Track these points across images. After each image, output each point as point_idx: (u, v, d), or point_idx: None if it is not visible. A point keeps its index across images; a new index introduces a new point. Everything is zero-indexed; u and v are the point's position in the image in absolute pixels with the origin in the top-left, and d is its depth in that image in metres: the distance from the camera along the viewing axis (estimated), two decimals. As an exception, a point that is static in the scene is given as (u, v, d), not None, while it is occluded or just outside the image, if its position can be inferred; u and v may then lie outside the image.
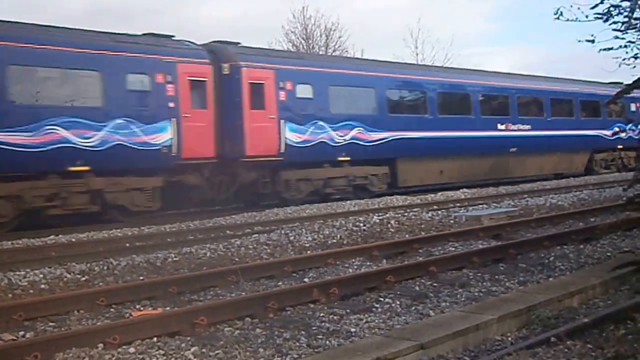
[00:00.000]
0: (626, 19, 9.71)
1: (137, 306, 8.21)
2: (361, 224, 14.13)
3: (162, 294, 8.55)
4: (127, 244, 13.64)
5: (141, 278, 9.95)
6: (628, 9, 9.53)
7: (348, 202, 20.71)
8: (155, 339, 6.58)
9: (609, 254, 10.24)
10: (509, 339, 6.38)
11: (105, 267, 10.57)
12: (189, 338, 6.63)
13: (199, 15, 61.56)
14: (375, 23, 64.05)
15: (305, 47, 39.45)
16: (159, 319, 6.97)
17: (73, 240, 14.36)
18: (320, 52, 38.86)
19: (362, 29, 63.59)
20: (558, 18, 9.91)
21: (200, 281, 9.09)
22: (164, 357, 6.11)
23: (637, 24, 9.83)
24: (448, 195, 22.46)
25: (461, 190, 24.25)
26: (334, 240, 12.70)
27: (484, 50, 72.96)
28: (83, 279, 9.88)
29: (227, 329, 6.97)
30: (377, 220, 14.56)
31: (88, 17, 57.05)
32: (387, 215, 15.66)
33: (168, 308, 8.00)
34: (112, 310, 8.04)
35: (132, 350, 6.28)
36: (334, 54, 39.06)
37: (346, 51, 39.67)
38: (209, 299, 8.51)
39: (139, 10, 60.33)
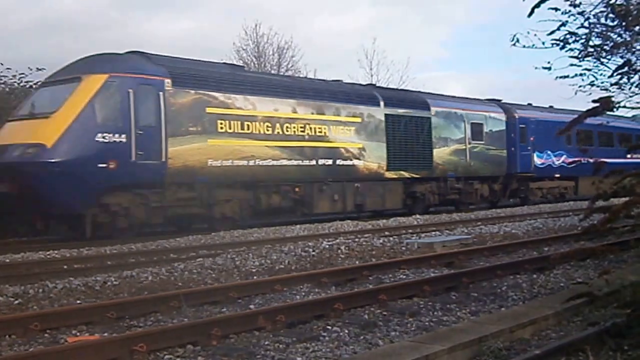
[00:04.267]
0: (582, 47, 9.75)
1: (74, 332, 7.87)
2: (310, 250, 13.94)
3: (100, 319, 8.20)
4: (65, 266, 13.21)
5: (78, 302, 9.59)
6: (584, 37, 9.56)
7: (297, 226, 20.50)
8: (91, 366, 6.24)
9: (562, 284, 10.17)
10: (460, 370, 6.21)
11: (41, 290, 10.18)
12: (126, 366, 6.32)
13: (143, 30, 61.08)
14: (329, 43, 64.44)
15: (256, 65, 39.30)
16: (95, 346, 6.69)
17: (7, 261, 13.92)
18: (273, 71, 38.78)
19: (316, 48, 63.88)
20: (514, 44, 9.89)
21: (140, 306, 8.77)
22: (99, 386, 5.82)
23: (593, 51, 9.87)
24: (400, 221, 22.38)
25: (414, 216, 24.26)
26: (282, 266, 12.47)
27: (439, 74, 73.81)
28: (16, 302, 9.48)
29: (167, 357, 6.73)
30: (327, 246, 14.38)
31: (34, 32, 56.25)
32: (337, 240, 15.50)
33: (106, 334, 7.70)
34: (46, 335, 7.70)
35: (65, 378, 5.98)
36: (286, 73, 38.99)
37: (299, 71, 39.67)
38: (150, 325, 8.22)
39: (82, 24, 59.72)
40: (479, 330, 6.95)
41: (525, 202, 32.12)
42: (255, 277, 11.44)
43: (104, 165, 17.16)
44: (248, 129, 20.47)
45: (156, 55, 19.92)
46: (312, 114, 22.49)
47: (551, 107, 34.44)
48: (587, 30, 9.61)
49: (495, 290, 9.95)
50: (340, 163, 23.16)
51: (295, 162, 21.72)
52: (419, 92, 28.84)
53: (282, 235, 18.32)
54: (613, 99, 7.05)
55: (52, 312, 8.51)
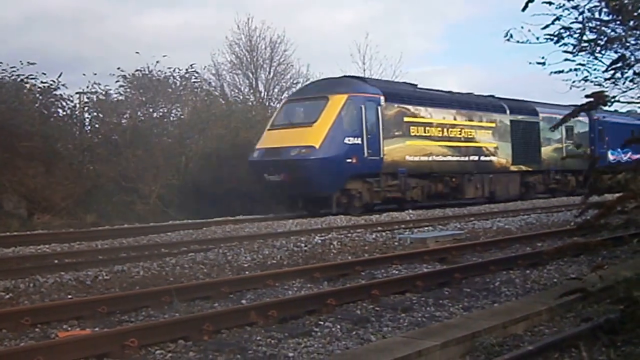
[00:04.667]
0: (576, 42, 9.72)
1: (64, 326, 7.84)
2: (302, 245, 13.89)
3: (91, 314, 8.16)
4: (56, 261, 13.15)
5: (69, 297, 9.53)
6: (578, 31, 9.54)
7: (289, 221, 20.51)
8: (82, 361, 6.23)
9: (555, 280, 10.16)
10: (452, 366, 6.18)
11: (32, 285, 10.12)
12: (118, 361, 6.30)
13: (132, 24, 60.75)
14: (321, 37, 64.21)
15: (248, 59, 39.19)
16: (86, 340, 6.67)
17: (-2, 255, 13.84)
18: (265, 65, 38.80)
19: (309, 43, 63.61)
20: (508, 40, 9.86)
21: (132, 301, 8.74)
22: (90, 382, 5.79)
23: (587, 46, 9.84)
24: (393, 216, 22.35)
25: (406, 211, 24.28)
26: (274, 261, 12.43)
27: (432, 69, 73.72)
28: (7, 296, 9.43)
29: (158, 352, 6.70)
30: (319, 241, 14.34)
31: (24, 26, 55.93)
32: (330, 235, 15.47)
33: (97, 329, 7.66)
34: (37, 330, 7.66)
35: (55, 373, 5.94)
36: (278, 67, 38.98)
37: (291, 65, 39.51)
38: (141, 320, 8.19)
39: (71, 18, 59.32)
40: (471, 326, 6.93)
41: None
42: (247, 272, 11.39)
43: (350, 160, 22.87)
44: (428, 132, 26.28)
45: (371, 78, 28.10)
46: (465, 120, 28.22)
47: (616, 111, 37.39)
48: (581, 25, 9.60)
49: (488, 285, 9.94)
50: (483, 159, 28.83)
51: (454, 158, 27.40)
52: (530, 101, 33.56)
53: (274, 230, 18.28)
54: (607, 93, 7.04)
55: (43, 306, 8.48)
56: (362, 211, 23.36)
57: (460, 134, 27.82)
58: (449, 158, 27.17)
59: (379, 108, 24.18)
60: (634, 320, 6.04)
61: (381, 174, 24.19)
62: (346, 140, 22.88)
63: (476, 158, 28.45)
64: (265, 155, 23.25)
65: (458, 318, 7.81)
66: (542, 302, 7.98)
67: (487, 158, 29.14)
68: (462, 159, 27.81)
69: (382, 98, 24.45)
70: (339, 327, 7.63)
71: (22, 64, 24.42)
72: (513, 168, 30.63)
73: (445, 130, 27.09)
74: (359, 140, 23.16)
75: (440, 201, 27.13)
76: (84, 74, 37.09)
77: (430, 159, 26.20)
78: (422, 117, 26.14)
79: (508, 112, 30.81)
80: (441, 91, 28.37)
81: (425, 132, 26.15)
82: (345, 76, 26.92)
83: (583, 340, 6.19)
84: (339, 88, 24.08)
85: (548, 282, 10.00)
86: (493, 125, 29.70)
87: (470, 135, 28.31)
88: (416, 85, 28.67)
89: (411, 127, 25.55)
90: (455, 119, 27.77)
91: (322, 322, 7.84)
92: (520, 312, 7.57)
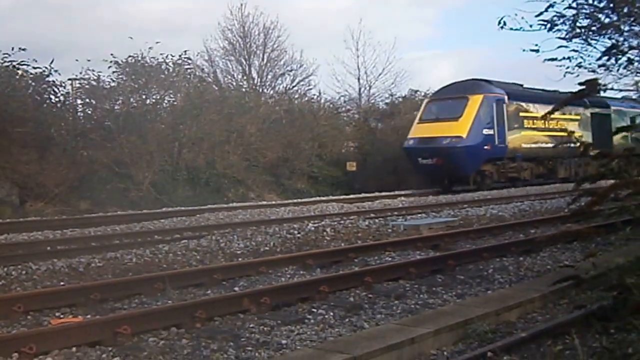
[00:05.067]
0: (570, 28, 9.70)
1: (57, 314, 7.84)
2: (295, 232, 13.89)
3: (84, 301, 8.17)
4: (48, 248, 13.12)
5: (62, 284, 9.51)
6: (572, 18, 9.52)
7: (282, 208, 20.51)
8: (74, 348, 6.30)
9: (548, 266, 10.17)
10: (445, 353, 6.19)
11: (24, 272, 10.10)
12: (110, 348, 6.36)
13: (124, 10, 60.24)
14: (315, 23, 63.85)
15: (242, 45, 39.03)
16: (79, 328, 6.67)
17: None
18: (258, 51, 38.66)
19: (302, 28, 63.29)
20: (502, 28, 9.85)
21: (124, 288, 8.74)
22: (83, 369, 5.78)
23: (580, 32, 9.83)
24: (386, 203, 22.40)
25: (399, 198, 24.29)
26: (267, 248, 12.42)
27: (425, 54, 73.44)
28: (-1, 283, 9.40)
29: (151, 339, 6.70)
30: (313, 228, 14.34)
31: (12, 12, 55.42)
32: (323, 222, 15.45)
33: (89, 316, 7.66)
34: (29, 317, 7.67)
35: (49, 360, 5.93)
36: (271, 53, 38.80)
37: (285, 51, 39.34)
38: (134, 307, 8.19)
39: (60, 4, 58.79)
40: (464, 313, 6.96)
41: None
42: (240, 259, 11.38)
43: (486, 147, 28.67)
44: (535, 124, 31.13)
45: (495, 80, 31.29)
46: (559, 114, 29.62)
47: None
48: (574, 12, 9.58)
49: (482, 272, 9.95)
50: (572, 146, 31.43)
51: (551, 145, 30.87)
52: (603, 97, 35.54)
53: (267, 217, 18.28)
54: (601, 80, 7.03)
55: (36, 293, 8.45)
56: (490, 187, 28.65)
57: (556, 125, 31.92)
58: (548, 145, 31.44)
59: (504, 105, 30.20)
60: (626, 307, 6.03)
61: (505, 158, 29.98)
62: (483, 132, 28.85)
63: (566, 145, 31.10)
64: (420, 143, 29.19)
65: (451, 305, 7.83)
66: (535, 289, 8.00)
67: (575, 145, 33.17)
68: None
69: (506, 97, 30.39)
70: (332, 314, 7.64)
71: (13, 50, 24.32)
72: (592, 153, 35.59)
73: (546, 122, 30.98)
74: (491, 132, 29.15)
75: (539, 180, 31.84)
76: (76, 60, 36.91)
77: (536, 145, 31.50)
78: (531, 112, 31.29)
79: (589, 106, 34.74)
80: (542, 90, 31.57)
81: (533, 124, 31.34)
82: (475, 79, 31.45)
83: (576, 327, 6.19)
84: (475, 89, 29.91)
85: (541, 269, 10.01)
86: (579, 117, 34.44)
87: (562, 126, 31.84)
88: (522, 85, 33.48)
89: (524, 121, 31.29)
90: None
91: (315, 309, 7.85)
92: (513, 299, 7.59)
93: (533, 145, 31.54)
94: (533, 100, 31.60)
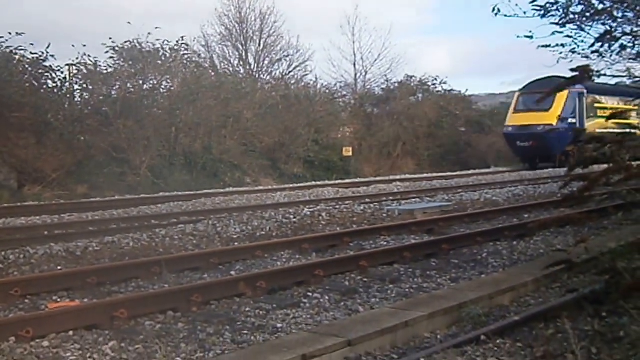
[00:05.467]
0: (563, 14, 9.73)
1: (54, 297, 7.88)
2: (291, 216, 13.93)
3: (81, 285, 8.21)
4: (46, 232, 13.15)
5: (59, 268, 9.55)
6: (565, 4, 9.55)
7: (278, 193, 20.55)
8: (71, 332, 6.34)
9: (541, 251, 10.25)
10: (439, 336, 6.27)
11: (22, 256, 10.12)
12: (107, 332, 6.40)
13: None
14: (311, 9, 63.65)
15: (238, 30, 38.94)
16: (76, 312, 6.71)
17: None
18: (255, 37, 38.59)
19: (298, 14, 63.05)
20: (496, 15, 9.88)
21: (121, 272, 8.78)
22: (80, 352, 5.86)
23: (574, 18, 9.86)
24: (381, 188, 22.44)
25: (394, 183, 24.32)
26: (263, 232, 12.48)
27: (421, 39, 73.38)
28: (-3, 267, 9.44)
29: (148, 323, 6.75)
30: (308, 213, 14.38)
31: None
32: (319, 207, 15.50)
33: (86, 300, 7.69)
34: (26, 301, 7.71)
35: (45, 344, 6.03)
36: (268, 39, 38.75)
37: (281, 37, 39.25)
38: (130, 291, 8.24)
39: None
40: (458, 297, 7.03)
41: None
42: (236, 244, 11.44)
43: (571, 132, 32.24)
44: (605, 113, 33.13)
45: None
46: (623, 104, 34.12)
47: None
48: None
49: (476, 257, 10.02)
50: (632, 131, 37.38)
51: (616, 131, 33.01)
52: None
53: (264, 202, 18.32)
54: (594, 67, 7.08)
55: (33, 277, 8.49)
56: (572, 166, 32.66)
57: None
58: (614, 130, 34.18)
59: (584, 98, 35.42)
60: (618, 291, 6.08)
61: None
62: (569, 120, 34.28)
63: (627, 130, 37.03)
64: (518, 130, 35.03)
65: (445, 289, 7.89)
66: (528, 273, 8.09)
67: (633, 130, 37.93)
68: (620, 131, 36.19)
69: (585, 91, 34.95)
70: (327, 298, 7.69)
71: (10, 34, 24.26)
72: None
73: (612, 111, 34.03)
74: (574, 120, 34.63)
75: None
76: (72, 46, 36.80)
77: (606, 131, 33.91)
78: (602, 103, 36.30)
79: None
80: (608, 84, 34.20)
81: (603, 114, 34.32)
82: (560, 77, 34.33)
83: (568, 310, 6.25)
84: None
85: (534, 254, 10.09)
86: (637, 108, 36.68)
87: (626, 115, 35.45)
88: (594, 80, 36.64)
89: (597, 111, 35.76)
90: (617, 103, 35.74)
91: (310, 293, 7.90)
92: (506, 283, 7.67)
93: (604, 131, 34.92)
94: (603, 93, 36.43)
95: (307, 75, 39.04)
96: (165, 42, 27.90)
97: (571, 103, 35.34)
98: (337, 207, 15.64)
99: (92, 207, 17.36)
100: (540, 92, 33.93)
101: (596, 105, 36.74)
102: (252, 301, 7.54)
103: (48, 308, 7.35)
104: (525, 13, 9.74)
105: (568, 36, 10.12)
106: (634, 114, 36.03)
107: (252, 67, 38.69)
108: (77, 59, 25.67)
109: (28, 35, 24.62)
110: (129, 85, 26.80)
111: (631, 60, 10.68)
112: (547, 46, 10.26)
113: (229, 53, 39.24)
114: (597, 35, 9.70)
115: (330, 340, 5.62)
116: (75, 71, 25.80)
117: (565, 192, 6.76)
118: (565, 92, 33.96)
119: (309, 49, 49.27)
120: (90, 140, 25.04)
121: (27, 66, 24.58)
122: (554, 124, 34.66)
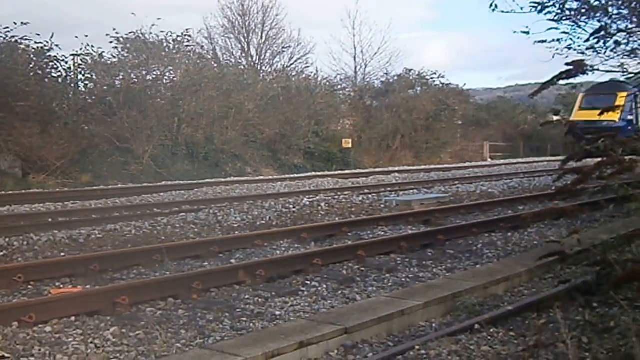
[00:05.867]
0: (559, 10, 9.81)
1: (57, 284, 7.97)
2: (291, 206, 14.05)
3: (83, 271, 8.29)
4: (50, 219, 13.25)
5: (62, 255, 9.65)
6: (560, 0, 9.63)
7: (278, 183, 20.66)
8: (73, 318, 6.41)
9: (535, 242, 10.35)
10: (434, 325, 6.37)
11: (25, 243, 10.24)
12: (108, 318, 6.48)
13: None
14: (312, 2, 63.62)
15: (241, 23, 38.98)
16: (78, 298, 6.79)
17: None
18: (257, 30, 38.69)
19: (300, 7, 63.03)
20: (493, 10, 9.97)
21: (123, 259, 8.87)
22: (82, 337, 5.93)
23: (570, 14, 9.95)
24: (380, 179, 22.56)
25: (393, 174, 24.41)
26: (263, 222, 12.59)
27: (420, 34, 73.30)
28: (1, 254, 9.55)
29: (149, 309, 6.84)
30: (308, 203, 14.50)
31: None
32: (318, 197, 15.61)
33: (89, 286, 7.77)
34: (29, 287, 7.79)
35: (48, 329, 6.11)
36: (270, 32, 38.86)
37: (283, 29, 39.34)
38: (132, 278, 8.33)
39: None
40: (453, 287, 7.13)
41: None
42: (236, 232, 11.54)
43: (629, 127, 36.02)
44: None
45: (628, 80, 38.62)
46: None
47: None
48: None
49: (471, 247, 10.13)
50: None
51: None
52: None
53: (264, 191, 18.42)
54: (589, 62, 7.17)
55: (36, 264, 8.57)
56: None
57: None
58: None
59: (637, 99, 36.38)
60: (609, 282, 6.16)
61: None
62: (627, 117, 38.20)
63: None
64: (585, 125, 34.98)
65: (441, 279, 7.98)
66: (522, 264, 8.19)
67: None
68: None
69: (639, 94, 36.82)
70: (325, 286, 7.79)
71: (15, 24, 24.32)
72: None
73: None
74: (631, 117, 38.86)
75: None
76: (76, 37, 36.82)
77: None
78: None
79: None
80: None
81: None
82: (619, 81, 37.20)
83: (560, 301, 6.36)
84: (621, 88, 36.44)
85: (528, 245, 10.20)
86: None
87: None
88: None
89: None
90: None
91: (308, 282, 8.01)
92: (501, 273, 7.77)
93: None
94: None
95: (308, 67, 39.14)
96: (169, 34, 27.99)
97: (628, 103, 37.88)
98: (336, 197, 15.75)
99: (95, 195, 17.47)
100: (606, 93, 38.49)
101: None
102: (251, 289, 7.63)
103: (51, 294, 7.43)
104: (522, 9, 9.83)
105: (564, 32, 10.24)
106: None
107: (254, 59, 38.77)
108: (81, 49, 25.78)
109: (33, 26, 24.68)
110: (132, 75, 26.87)
111: (625, 57, 10.79)
112: (543, 42, 10.35)
113: (231, 45, 39.37)
114: (592, 32, 9.81)
115: (327, 328, 5.71)
116: (79, 61, 25.88)
117: (559, 185, 6.85)
118: (625, 94, 36.13)
119: (310, 42, 49.56)
120: (94, 129, 25.13)
121: (31, 56, 24.62)
122: (617, 120, 37.46)
